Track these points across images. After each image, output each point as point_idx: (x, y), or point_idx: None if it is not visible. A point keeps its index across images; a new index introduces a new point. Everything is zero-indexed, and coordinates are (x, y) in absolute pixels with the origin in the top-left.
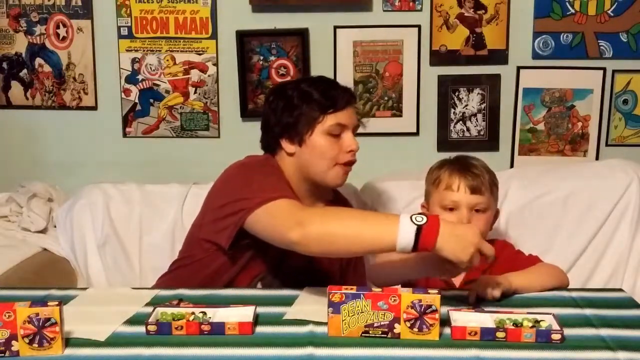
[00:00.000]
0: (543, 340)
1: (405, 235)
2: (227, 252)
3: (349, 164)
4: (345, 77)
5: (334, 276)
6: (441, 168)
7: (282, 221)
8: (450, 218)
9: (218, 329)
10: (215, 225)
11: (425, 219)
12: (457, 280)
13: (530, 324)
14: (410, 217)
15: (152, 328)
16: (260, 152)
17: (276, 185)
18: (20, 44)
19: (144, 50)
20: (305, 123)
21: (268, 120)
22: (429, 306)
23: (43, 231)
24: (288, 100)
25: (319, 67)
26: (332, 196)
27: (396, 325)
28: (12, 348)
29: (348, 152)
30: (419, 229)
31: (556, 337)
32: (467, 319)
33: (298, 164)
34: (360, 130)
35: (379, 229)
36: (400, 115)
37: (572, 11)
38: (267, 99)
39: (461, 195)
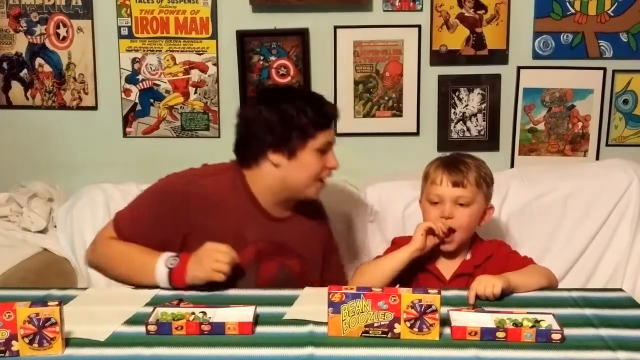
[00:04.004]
0: (543, 340)
1: (160, 279)
2: None
3: (327, 177)
4: (345, 77)
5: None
6: (432, 164)
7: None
8: (434, 212)
9: (218, 329)
10: None
11: (176, 261)
12: (448, 274)
13: (530, 324)
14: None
15: (152, 328)
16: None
17: (140, 214)
18: (20, 44)
19: (144, 50)
20: (299, 138)
21: (255, 131)
22: (429, 306)
23: (43, 231)
24: (283, 113)
25: (319, 67)
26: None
27: (396, 325)
28: (12, 348)
29: (330, 168)
30: (170, 271)
31: (556, 337)
32: (467, 318)
33: (280, 175)
34: (357, 130)
35: (142, 275)
36: (401, 115)
37: (572, 11)
38: (251, 109)
39: (444, 188)
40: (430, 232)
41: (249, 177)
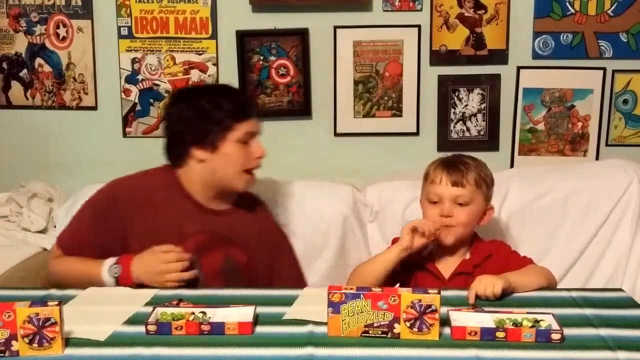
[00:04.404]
0: (543, 340)
1: (108, 283)
2: None
3: (255, 168)
4: (345, 77)
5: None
6: (433, 164)
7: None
8: (433, 211)
9: (218, 329)
10: None
11: (118, 269)
12: (447, 273)
13: (530, 324)
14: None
15: (152, 328)
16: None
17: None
18: (20, 44)
19: (144, 50)
20: (218, 131)
21: (177, 129)
22: (429, 306)
23: (43, 231)
24: (200, 109)
25: (319, 67)
26: (238, 195)
27: (396, 325)
28: (12, 348)
29: (256, 158)
30: (116, 279)
31: (556, 337)
32: (467, 318)
33: (208, 170)
34: (357, 130)
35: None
36: (400, 115)
37: (572, 11)
38: (172, 108)
39: (443, 188)
40: (415, 231)
41: (181, 175)
